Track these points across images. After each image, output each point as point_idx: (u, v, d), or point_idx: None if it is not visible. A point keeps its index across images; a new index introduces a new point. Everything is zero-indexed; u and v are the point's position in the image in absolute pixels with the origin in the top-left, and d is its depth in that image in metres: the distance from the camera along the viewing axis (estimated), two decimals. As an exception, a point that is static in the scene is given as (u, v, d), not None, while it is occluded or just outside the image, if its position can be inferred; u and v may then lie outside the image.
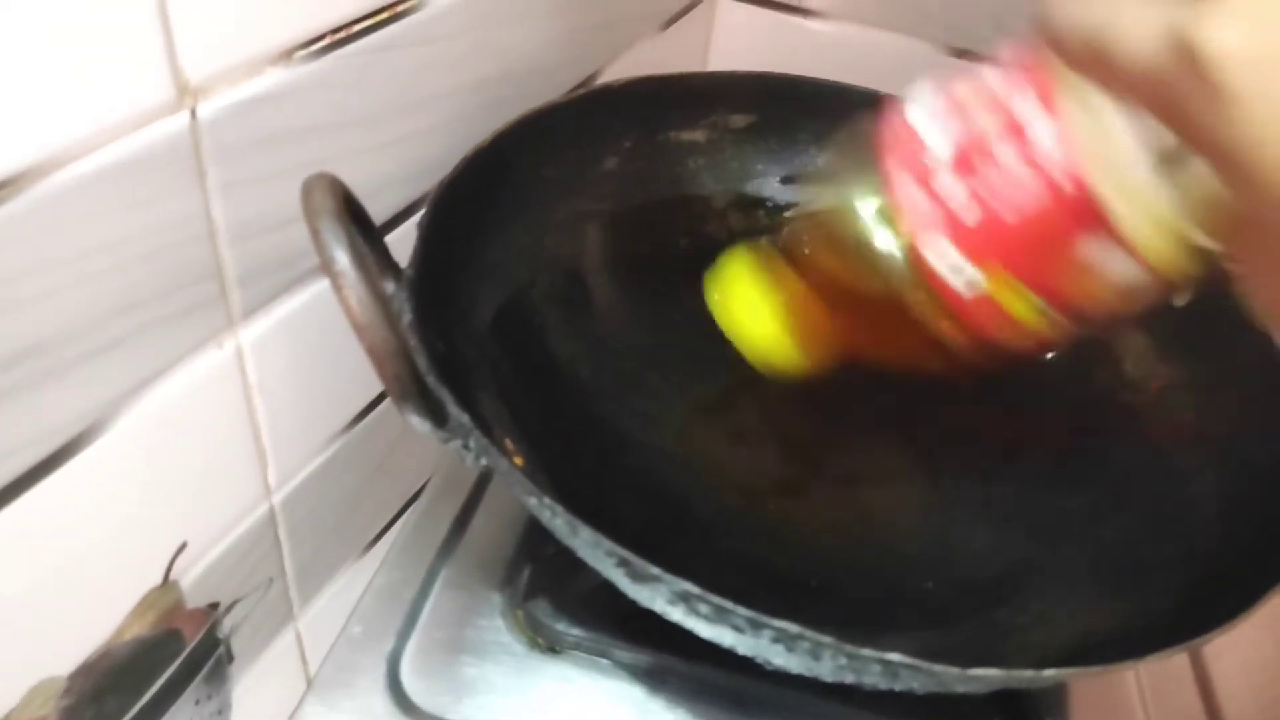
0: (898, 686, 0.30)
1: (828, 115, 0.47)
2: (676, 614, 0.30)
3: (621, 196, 0.48)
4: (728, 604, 0.28)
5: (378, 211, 0.38)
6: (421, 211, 0.37)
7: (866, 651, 0.28)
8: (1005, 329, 0.27)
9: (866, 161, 0.27)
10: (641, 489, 0.42)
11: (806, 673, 0.30)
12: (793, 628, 0.28)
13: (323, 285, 0.39)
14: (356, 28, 0.35)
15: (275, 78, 0.33)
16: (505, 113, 0.42)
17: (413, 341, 0.32)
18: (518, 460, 0.36)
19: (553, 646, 0.40)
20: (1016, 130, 0.24)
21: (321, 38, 0.34)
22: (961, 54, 0.62)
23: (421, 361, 0.31)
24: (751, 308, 0.30)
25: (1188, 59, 0.18)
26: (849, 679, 0.30)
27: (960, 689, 0.30)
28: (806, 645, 0.28)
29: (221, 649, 0.43)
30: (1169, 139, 0.21)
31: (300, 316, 0.39)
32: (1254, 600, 0.30)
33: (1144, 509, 0.40)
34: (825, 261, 0.29)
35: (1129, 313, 0.26)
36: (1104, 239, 0.24)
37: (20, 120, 0.25)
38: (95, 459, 0.32)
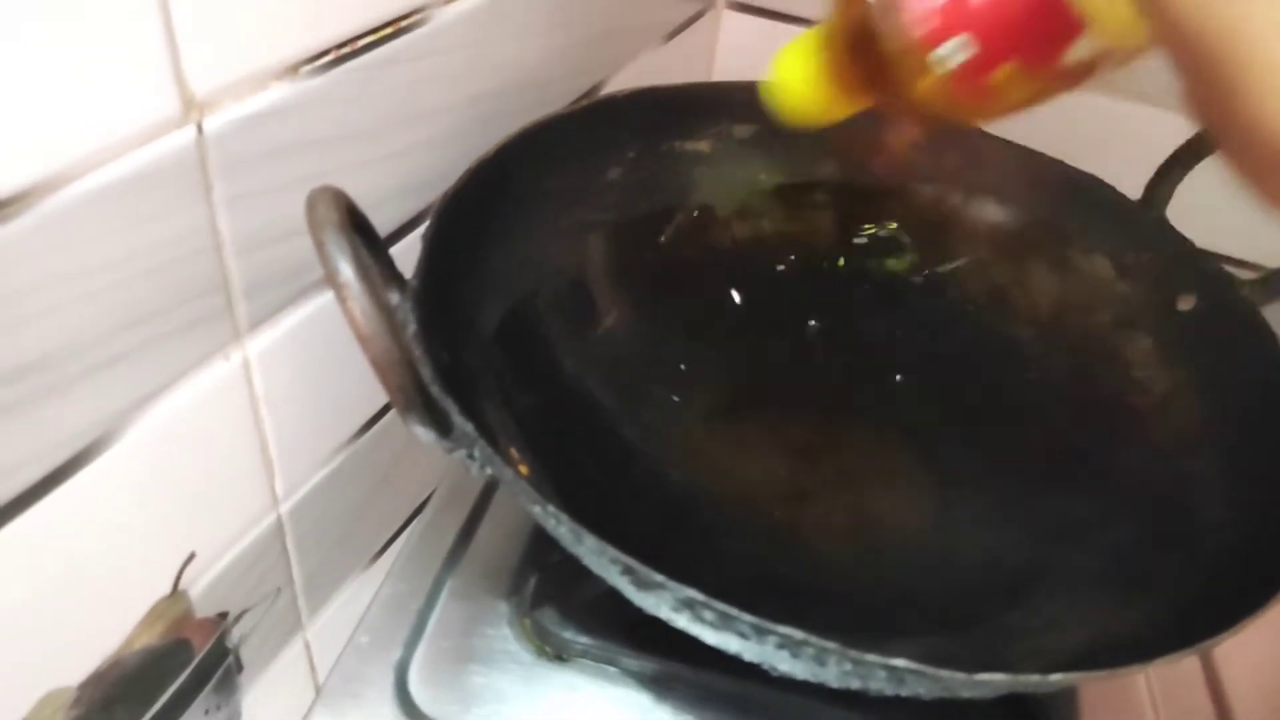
0: (904, 692, 0.30)
1: (831, 125, 0.47)
2: (682, 621, 0.30)
3: (625, 207, 0.48)
4: (732, 610, 0.28)
5: (382, 224, 0.38)
6: (426, 223, 0.38)
7: (872, 657, 0.28)
8: (977, 95, 0.28)
9: None
10: (646, 497, 0.42)
11: (812, 679, 0.30)
12: (798, 634, 0.28)
13: (328, 297, 0.39)
14: (361, 43, 0.35)
15: (280, 92, 0.33)
16: (509, 125, 0.42)
17: (417, 352, 0.32)
18: (522, 469, 0.36)
19: (559, 654, 0.40)
20: None
21: (326, 53, 0.34)
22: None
23: (426, 372, 0.31)
24: (792, 54, 0.33)
25: None
26: (855, 685, 0.30)
27: (967, 694, 0.30)
28: (812, 651, 0.28)
29: (230, 658, 0.43)
30: None
31: (306, 328, 0.39)
32: (1264, 602, 0.30)
33: (1151, 512, 0.40)
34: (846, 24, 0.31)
35: (1094, 78, 0.27)
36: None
37: (26, 137, 0.26)
38: (104, 471, 0.32)
